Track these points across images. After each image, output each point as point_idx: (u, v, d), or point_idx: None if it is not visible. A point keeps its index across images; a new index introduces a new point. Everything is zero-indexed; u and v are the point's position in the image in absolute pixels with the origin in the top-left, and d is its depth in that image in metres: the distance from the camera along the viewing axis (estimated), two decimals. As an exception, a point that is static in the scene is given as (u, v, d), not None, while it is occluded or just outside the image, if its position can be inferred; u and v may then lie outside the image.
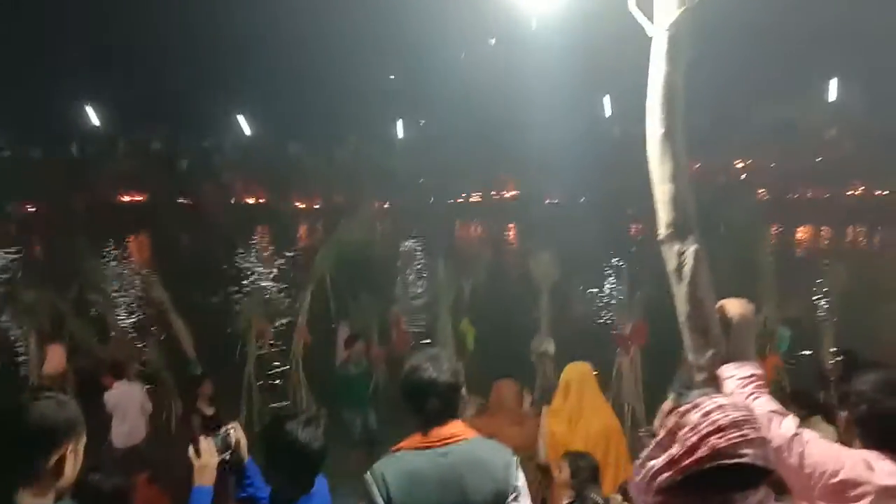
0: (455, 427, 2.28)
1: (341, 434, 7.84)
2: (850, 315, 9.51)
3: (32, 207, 34.97)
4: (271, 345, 9.77)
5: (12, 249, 26.10)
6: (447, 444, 2.23)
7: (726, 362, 2.10)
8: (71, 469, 1.59)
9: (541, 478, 4.43)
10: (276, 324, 11.04)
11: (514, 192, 36.20)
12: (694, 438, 1.46)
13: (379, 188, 28.00)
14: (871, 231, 24.70)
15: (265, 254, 25.29)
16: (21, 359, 9.45)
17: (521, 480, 2.24)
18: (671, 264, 2.23)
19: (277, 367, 10.00)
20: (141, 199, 36.38)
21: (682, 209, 2.20)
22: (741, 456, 1.42)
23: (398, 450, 2.31)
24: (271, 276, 20.04)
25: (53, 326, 9.43)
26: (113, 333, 9.70)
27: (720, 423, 1.46)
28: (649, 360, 8.65)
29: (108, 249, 23.51)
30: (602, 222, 20.68)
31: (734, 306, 2.18)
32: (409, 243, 21.09)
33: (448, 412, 2.28)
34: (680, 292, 2.20)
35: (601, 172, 25.24)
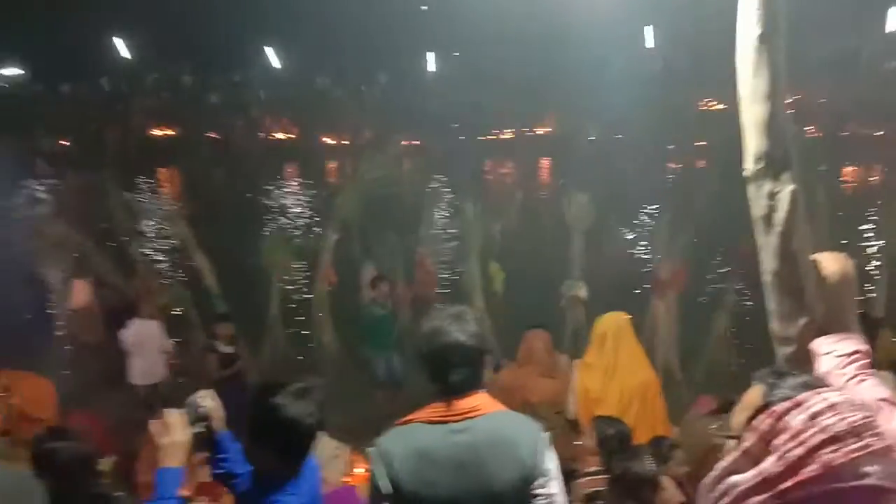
0: (477, 399, 1.94)
1: (366, 375, 7.73)
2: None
3: (64, 141, 35.16)
4: (296, 284, 9.63)
5: (43, 184, 26.38)
6: (466, 418, 1.90)
7: (822, 334, 1.69)
8: None
9: (570, 433, 4.15)
10: (302, 262, 10.89)
11: (547, 129, 35.02)
12: (799, 451, 1.08)
13: (407, 124, 27.30)
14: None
15: (293, 190, 25.10)
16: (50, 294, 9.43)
17: (552, 462, 1.91)
18: (759, 208, 1.77)
19: (303, 306, 9.87)
20: (171, 133, 36.20)
21: (777, 138, 1.72)
22: (864, 476, 1.05)
23: (408, 421, 1.98)
24: (298, 213, 19.93)
25: (80, 261, 9.40)
26: (138, 269, 9.60)
27: (835, 430, 1.07)
28: (687, 308, 8.27)
29: (137, 184, 23.55)
30: (641, 160, 19.82)
31: (831, 262, 1.74)
32: (437, 182, 20.65)
33: (472, 382, 1.95)
34: (769, 244, 1.75)
35: (640, 107, 24.06)
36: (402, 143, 25.64)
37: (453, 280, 10.72)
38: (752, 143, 1.76)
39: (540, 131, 34.92)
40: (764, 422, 1.14)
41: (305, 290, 9.82)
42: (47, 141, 34.56)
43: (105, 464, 4.85)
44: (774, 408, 1.14)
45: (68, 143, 34.59)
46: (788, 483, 1.07)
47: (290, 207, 21.14)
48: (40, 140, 34.50)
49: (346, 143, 32.59)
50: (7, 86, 40.79)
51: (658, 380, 4.36)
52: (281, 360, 8.59)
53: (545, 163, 29.70)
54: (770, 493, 1.09)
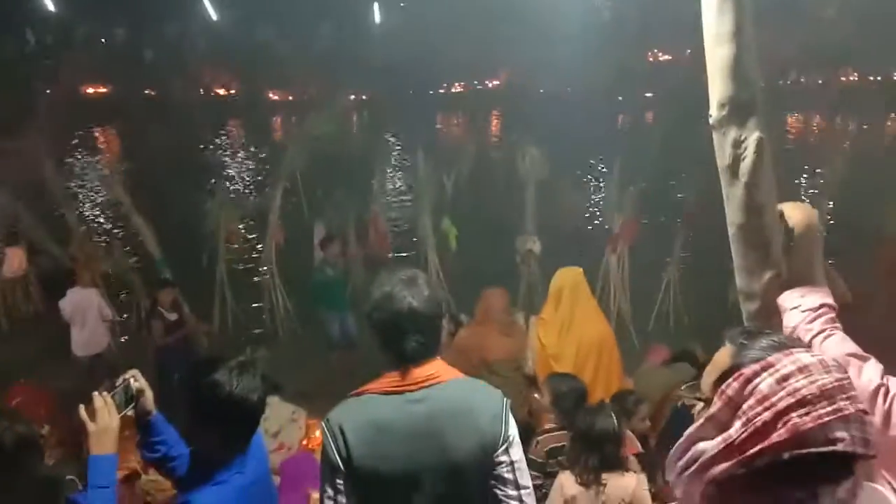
0: (433, 367, 1.84)
1: (319, 336, 7.60)
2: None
3: (-11, 100, 33.01)
4: (243, 245, 9.34)
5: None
6: (422, 387, 1.81)
7: (787, 288, 1.64)
8: None
9: (527, 390, 4.14)
10: (248, 223, 10.56)
11: (498, 82, 34.67)
12: (767, 416, 1.01)
13: (354, 78, 26.56)
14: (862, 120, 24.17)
15: (237, 148, 24.32)
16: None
17: (512, 428, 1.84)
18: (724, 157, 1.68)
19: (251, 268, 9.60)
20: (105, 91, 34.39)
21: (744, 82, 1.62)
22: (834, 442, 0.98)
23: (361, 393, 1.87)
24: (243, 172, 19.33)
25: (11, 229, 8.91)
26: (74, 235, 9.15)
27: (804, 393, 1.00)
28: (638, 260, 8.37)
29: (71, 146, 22.42)
30: (592, 112, 19.81)
31: (796, 212, 1.68)
32: (386, 137, 20.27)
33: (428, 350, 1.84)
34: (733, 195, 1.67)
35: (590, 59, 23.95)
36: (350, 97, 25.09)
37: (406, 237, 10.61)
38: (717, 88, 1.66)
39: (490, 84, 34.58)
40: (730, 385, 1.06)
41: (254, 251, 9.55)
42: (-32, 101, 32.52)
43: (44, 431, 4.65)
44: (743, 370, 1.07)
45: (-8, 102, 32.56)
46: (755, 449, 1.01)
47: (235, 166, 20.49)
48: (-40, 100, 32.45)
49: (291, 98, 31.64)
50: (-81, 40, 37.91)
51: (613, 335, 4.36)
52: (231, 325, 8.37)
53: (496, 116, 29.50)
54: (736, 460, 1.02)
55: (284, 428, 4.89)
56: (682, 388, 3.88)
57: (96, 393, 1.85)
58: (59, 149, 15.67)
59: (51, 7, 37.67)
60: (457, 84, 34.91)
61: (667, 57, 31.80)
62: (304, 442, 5.04)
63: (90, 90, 34.35)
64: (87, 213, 13.17)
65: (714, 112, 1.68)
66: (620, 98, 26.99)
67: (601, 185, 12.68)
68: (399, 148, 14.26)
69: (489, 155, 14.68)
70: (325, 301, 7.41)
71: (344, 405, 1.86)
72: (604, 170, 13.30)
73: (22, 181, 9.02)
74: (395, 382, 1.82)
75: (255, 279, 9.02)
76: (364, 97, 28.46)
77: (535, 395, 4.02)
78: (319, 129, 8.47)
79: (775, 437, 1.00)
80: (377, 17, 36.90)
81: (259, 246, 9.11)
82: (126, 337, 7.96)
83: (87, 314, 6.58)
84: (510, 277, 7.69)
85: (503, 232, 8.80)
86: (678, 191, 10.35)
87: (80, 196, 14.42)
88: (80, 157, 21.18)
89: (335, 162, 9.26)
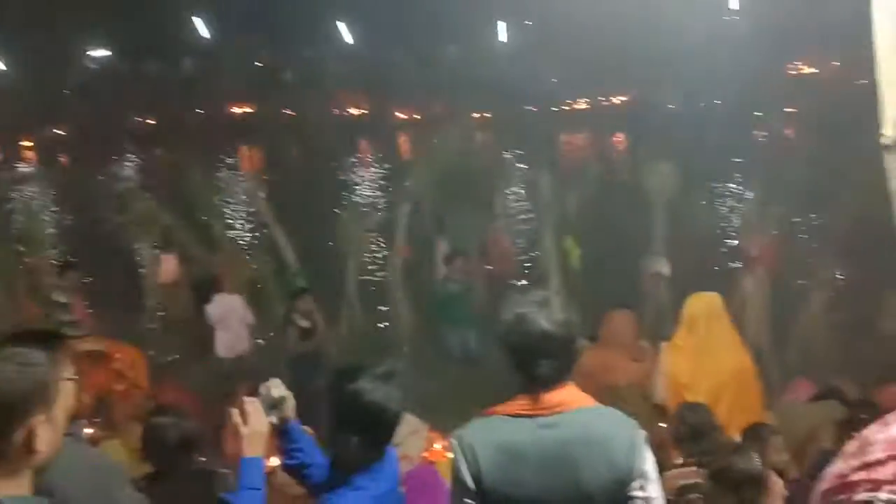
0: (566, 392, 1.81)
1: (440, 351, 7.72)
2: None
3: (150, 120, 36.74)
4: (372, 259, 9.71)
5: (130, 161, 27.77)
6: (554, 412, 1.78)
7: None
8: (46, 443, 1.28)
9: (656, 420, 3.97)
10: (376, 237, 10.96)
11: (624, 98, 33.81)
12: None
13: (479, 97, 26.92)
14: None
15: (366, 165, 25.35)
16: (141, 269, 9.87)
17: (649, 463, 1.77)
18: None
19: (377, 281, 9.94)
20: (249, 111, 37.20)
21: None
22: None
23: (492, 413, 1.87)
24: (371, 188, 20.11)
25: (166, 237, 9.76)
26: (221, 244, 9.89)
27: None
28: (778, 285, 7.80)
29: (218, 161, 24.35)
30: (726, 129, 18.80)
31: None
32: (510, 155, 20.33)
33: (561, 374, 1.81)
34: None
35: (724, 73, 22.77)
36: (474, 115, 25.44)
37: (528, 256, 10.55)
38: (893, 104, 1.52)
39: (616, 101, 33.77)
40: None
41: (381, 265, 9.88)
42: (133, 120, 36.31)
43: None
44: None
45: (153, 122, 36.16)
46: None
47: (365, 182, 21.36)
48: (127, 119, 36.28)
49: (418, 116, 32.57)
50: (96, 67, 42.94)
51: (753, 368, 4.08)
52: (358, 336, 8.68)
53: (622, 133, 28.75)
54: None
55: (407, 439, 4.99)
56: (831, 427, 3.56)
57: (247, 398, 1.98)
58: (208, 163, 17.11)
59: (206, 34, 41.43)
60: (580, 101, 34.43)
61: (811, 70, 29.66)
62: (426, 455, 5.12)
63: (236, 110, 37.24)
64: (232, 224, 14.23)
65: (890, 132, 1.54)
66: (758, 114, 25.41)
67: (737, 204, 11.99)
68: (522, 166, 14.25)
69: (615, 172, 14.34)
70: (447, 316, 7.55)
71: (474, 425, 1.87)
72: (740, 189, 12.58)
73: (176, 192, 9.88)
74: (527, 406, 1.81)
75: (381, 292, 9.32)
76: (487, 115, 28.77)
77: (661, 425, 3.85)
78: (447, 148, 8.67)
79: None
80: (502, 36, 37.28)
81: (385, 259, 9.42)
82: (263, 341, 8.47)
83: (230, 319, 7.10)
84: (635, 300, 7.44)
85: (629, 252, 8.55)
86: (824, 212, 9.57)
87: (226, 207, 15.63)
88: (226, 171, 22.98)
89: (460, 179, 9.41)
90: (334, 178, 21.43)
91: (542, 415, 1.78)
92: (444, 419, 5.67)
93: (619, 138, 28.26)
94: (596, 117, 31.15)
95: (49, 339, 1.36)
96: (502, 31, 37.24)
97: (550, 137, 26.40)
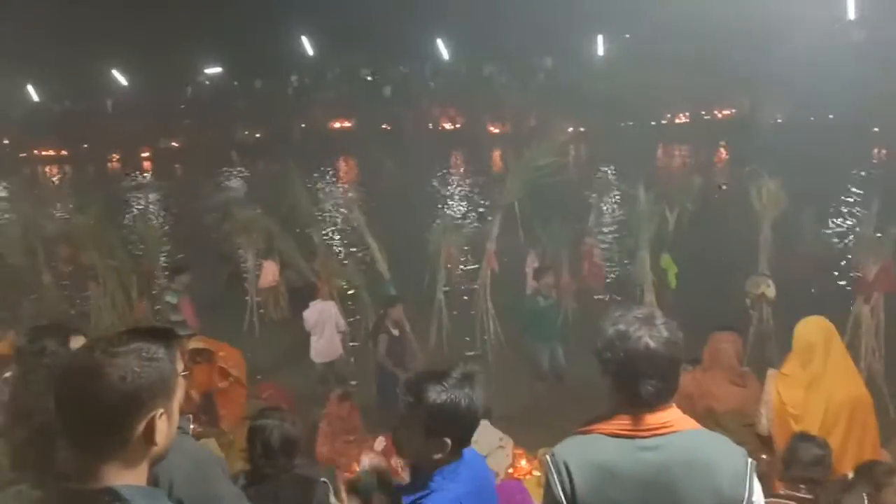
0: (669, 414, 1.72)
1: (527, 364, 7.62)
2: None
3: (256, 134, 38.75)
4: (461, 270, 9.74)
5: (236, 171, 29.35)
6: (655, 434, 1.70)
7: None
8: (164, 436, 1.33)
9: (759, 451, 3.74)
10: (467, 249, 11.00)
11: (728, 112, 32.41)
12: None
13: (575, 109, 26.58)
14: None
15: (459, 178, 25.59)
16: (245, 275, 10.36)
17: (757, 494, 1.65)
18: None
19: (466, 292, 9.97)
20: (348, 125, 38.51)
21: None
22: None
23: (589, 431, 1.80)
24: (463, 201, 20.27)
25: (268, 244, 10.20)
26: (318, 252, 10.23)
27: None
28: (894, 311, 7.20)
29: (318, 173, 25.30)
30: (840, 145, 17.61)
31: None
32: (604, 169, 19.93)
33: (664, 395, 1.72)
34: None
35: (838, 84, 21.33)
36: (569, 129, 25.16)
37: (621, 272, 10.27)
38: None
39: (719, 114, 32.44)
40: None
41: (470, 276, 9.91)
42: (241, 133, 38.48)
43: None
44: None
45: (259, 135, 38.13)
46: None
47: (457, 195, 21.56)
48: (235, 132, 38.50)
49: (511, 130, 32.64)
50: (208, 83, 45.90)
51: (869, 396, 3.77)
52: (445, 346, 8.72)
53: (725, 147, 27.55)
54: None
55: (492, 453, 4.95)
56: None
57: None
58: (308, 175, 17.79)
59: (310, 51, 43.39)
60: (681, 114, 33.30)
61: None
62: (510, 471, 5.06)
63: (336, 124, 38.66)
64: (328, 234, 14.71)
65: None
66: (876, 129, 23.64)
67: (851, 224, 11.18)
68: (617, 180, 13.93)
69: (717, 188, 13.74)
70: (535, 330, 7.46)
71: (570, 441, 1.81)
72: (856, 209, 11.73)
73: (277, 202, 10.31)
74: (627, 426, 1.73)
75: (470, 303, 9.33)
76: (582, 129, 28.38)
77: (764, 457, 3.62)
78: (538, 160, 8.58)
79: None
80: (600, 49, 36.76)
81: (476, 271, 9.43)
82: (354, 347, 8.67)
83: (325, 325, 7.31)
84: (737, 323, 7.07)
85: (731, 272, 8.15)
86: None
87: (324, 218, 16.19)
88: (325, 182, 23.84)
89: (552, 192, 9.31)
90: (428, 190, 21.78)
91: (642, 436, 1.71)
92: (528, 436, 5.60)
93: (722, 153, 27.12)
94: (697, 131, 30.04)
95: (167, 335, 1.40)
96: (600, 44, 36.73)
97: (648, 151, 25.71)
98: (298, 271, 9.93)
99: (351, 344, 8.17)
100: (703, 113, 32.58)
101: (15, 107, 46.93)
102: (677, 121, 33.11)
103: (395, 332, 6.82)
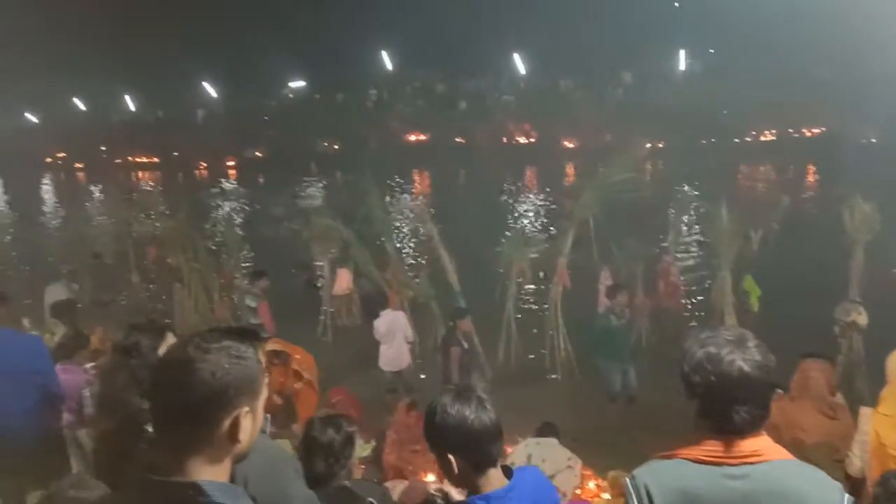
0: (760, 442, 1.64)
1: (596, 384, 7.44)
2: None
3: (335, 145, 39.87)
4: (532, 285, 9.64)
5: (315, 181, 30.22)
6: (744, 462, 1.61)
7: None
8: (247, 434, 1.34)
9: (852, 491, 3.49)
10: (538, 264, 10.89)
11: (817, 130, 30.91)
12: None
13: (652, 126, 25.95)
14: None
15: (532, 193, 25.42)
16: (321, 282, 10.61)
17: (852, 532, 1.55)
18: None
19: (536, 308, 9.85)
20: (423, 138, 39.08)
21: None
22: None
23: (672, 456, 1.73)
24: (536, 215, 20.11)
25: (343, 253, 10.40)
26: (390, 262, 10.34)
27: None
28: None
29: (393, 184, 25.70)
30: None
31: None
32: (684, 186, 19.34)
33: (756, 421, 1.64)
34: None
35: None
36: (646, 144, 24.60)
37: (700, 292, 9.92)
38: None
39: (807, 132, 30.97)
40: None
41: (541, 292, 9.79)
42: (321, 144, 39.71)
43: (364, 448, 5.24)
44: None
45: (338, 147, 39.22)
46: None
47: (530, 209, 21.43)
48: (315, 143, 39.76)
49: (586, 145, 32.22)
50: (292, 96, 47.68)
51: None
52: (514, 361, 8.64)
53: (813, 167, 26.25)
54: None
55: (560, 472, 4.85)
56: None
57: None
58: (384, 186, 18.08)
59: (388, 66, 44.41)
60: (767, 132, 31.99)
61: None
62: (578, 491, 4.94)
63: (412, 137, 39.31)
64: (401, 244, 14.88)
65: None
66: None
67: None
68: (698, 198, 13.46)
69: (804, 209, 13.08)
70: (606, 350, 7.26)
71: (652, 465, 1.74)
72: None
73: (353, 211, 10.51)
74: (715, 452, 1.65)
75: (540, 319, 9.22)
76: (661, 144, 27.70)
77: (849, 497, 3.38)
78: (614, 176, 8.41)
79: None
80: (681, 64, 35.89)
81: (546, 288, 9.30)
82: (422, 357, 8.71)
83: (395, 335, 7.37)
84: (825, 351, 6.68)
85: (819, 298, 7.72)
86: None
87: (398, 228, 16.40)
88: (400, 194, 24.19)
89: (628, 209, 9.10)
90: (500, 204, 21.75)
91: (730, 464, 1.63)
92: (596, 456, 5.45)
93: (810, 173, 25.85)
94: (784, 149, 28.78)
95: (254, 336, 1.42)
96: (681, 59, 35.85)
97: (730, 168, 24.80)
98: (371, 280, 10.08)
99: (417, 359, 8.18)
100: (791, 130, 31.18)
101: (113, 116, 50.22)
102: (762, 138, 31.82)
103: (465, 345, 6.81)
